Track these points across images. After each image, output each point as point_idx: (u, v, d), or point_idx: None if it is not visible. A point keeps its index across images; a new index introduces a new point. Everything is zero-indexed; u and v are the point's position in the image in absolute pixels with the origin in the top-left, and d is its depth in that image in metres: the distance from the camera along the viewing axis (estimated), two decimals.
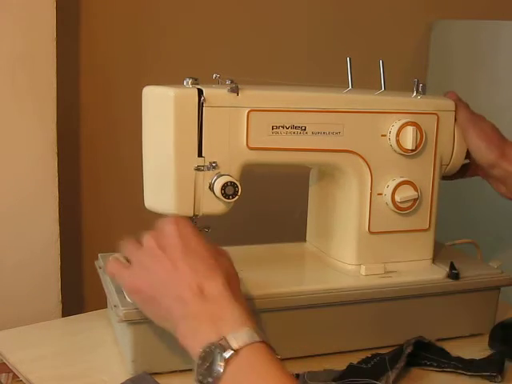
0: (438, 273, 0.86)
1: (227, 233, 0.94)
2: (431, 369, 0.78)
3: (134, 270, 0.68)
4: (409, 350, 0.77)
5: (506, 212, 1.19)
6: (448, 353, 0.80)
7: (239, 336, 0.57)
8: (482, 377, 0.77)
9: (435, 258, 0.89)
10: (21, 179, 0.94)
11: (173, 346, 0.72)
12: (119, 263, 0.70)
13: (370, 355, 0.79)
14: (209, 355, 0.56)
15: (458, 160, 0.88)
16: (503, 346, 0.81)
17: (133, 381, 0.72)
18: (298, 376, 0.75)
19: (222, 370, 0.55)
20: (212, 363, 0.55)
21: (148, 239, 0.68)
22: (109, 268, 0.71)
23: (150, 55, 1.10)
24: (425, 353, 0.78)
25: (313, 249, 0.94)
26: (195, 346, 0.58)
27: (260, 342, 0.57)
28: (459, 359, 0.79)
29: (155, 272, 0.65)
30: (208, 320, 0.59)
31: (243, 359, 0.56)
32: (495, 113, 1.21)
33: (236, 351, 0.55)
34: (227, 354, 0.55)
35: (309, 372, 0.76)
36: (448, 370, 0.78)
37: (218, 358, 0.55)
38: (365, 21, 1.27)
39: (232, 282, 0.65)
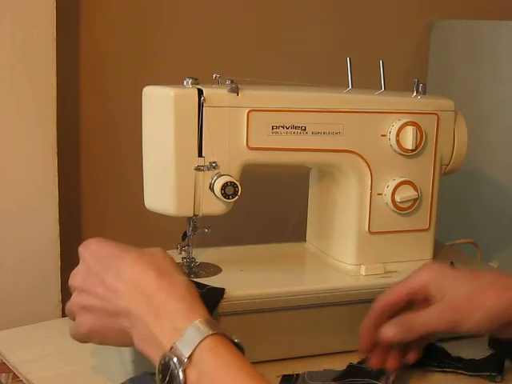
0: None
1: (227, 233, 0.94)
2: (431, 369, 0.78)
3: (76, 319, 0.64)
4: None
5: (505, 212, 1.19)
6: (448, 353, 0.80)
7: (187, 338, 0.53)
8: (482, 377, 0.77)
9: (435, 258, 0.89)
10: (21, 179, 0.94)
11: None
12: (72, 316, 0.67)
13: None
14: (166, 368, 0.54)
15: (458, 160, 0.88)
16: (503, 346, 0.81)
17: (133, 381, 0.72)
18: (297, 376, 0.75)
19: (182, 382, 0.53)
20: (171, 376, 0.53)
21: (73, 278, 0.65)
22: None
23: (150, 55, 1.10)
24: (425, 353, 0.78)
25: (313, 249, 0.94)
26: (153, 356, 0.56)
27: (211, 335, 0.53)
28: (459, 359, 0.79)
29: (92, 307, 0.62)
30: (154, 325, 0.56)
31: (200, 363, 0.53)
32: (495, 113, 1.21)
33: (190, 357, 0.53)
34: (182, 365, 0.53)
35: (309, 372, 0.76)
36: (448, 370, 0.78)
37: (175, 369, 0.53)
38: (365, 21, 1.26)
39: (162, 263, 0.61)
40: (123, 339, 0.60)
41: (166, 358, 0.54)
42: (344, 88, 0.87)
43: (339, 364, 0.78)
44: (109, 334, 0.62)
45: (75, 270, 0.65)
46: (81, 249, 0.66)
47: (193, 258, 0.83)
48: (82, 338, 0.65)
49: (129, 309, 0.58)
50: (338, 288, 0.81)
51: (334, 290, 0.80)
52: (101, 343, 0.65)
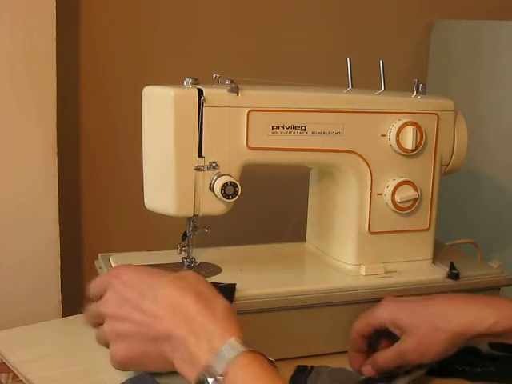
0: (438, 273, 0.86)
1: (227, 233, 0.94)
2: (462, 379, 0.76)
3: (112, 347, 0.64)
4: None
5: (505, 212, 1.19)
6: (480, 352, 0.78)
7: (221, 355, 0.54)
8: None
9: (435, 258, 0.89)
10: (21, 179, 0.94)
11: None
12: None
13: None
14: None
15: (458, 160, 0.88)
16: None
17: (133, 381, 0.72)
18: (312, 368, 0.75)
19: None
20: None
21: (103, 306, 0.64)
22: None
23: (150, 55, 1.10)
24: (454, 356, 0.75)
25: (313, 249, 0.94)
26: (192, 377, 0.56)
27: (244, 352, 0.55)
28: (492, 358, 0.77)
29: (129, 333, 0.62)
30: (194, 346, 0.57)
31: (234, 380, 0.54)
32: (495, 113, 1.21)
33: (224, 374, 0.54)
34: (217, 382, 0.54)
35: (331, 369, 0.75)
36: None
37: None
38: (365, 21, 1.26)
39: (200, 286, 0.61)
40: (162, 364, 0.61)
41: (201, 377, 0.54)
42: (344, 88, 0.87)
43: (339, 364, 0.78)
44: (147, 359, 0.62)
45: (105, 298, 0.64)
46: (110, 278, 0.65)
47: (193, 258, 0.84)
48: (118, 365, 0.65)
49: (171, 333, 0.58)
50: (337, 288, 0.81)
51: (334, 290, 0.80)
52: (139, 369, 0.65)
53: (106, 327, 0.64)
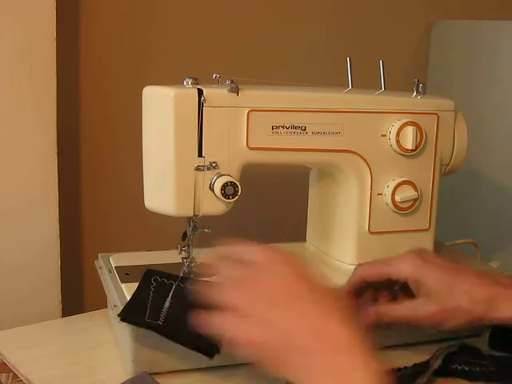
0: None
1: (227, 233, 0.94)
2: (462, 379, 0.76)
3: (251, 324, 0.58)
4: (436, 365, 0.75)
5: (505, 212, 1.19)
6: (480, 352, 0.78)
7: None
8: None
9: None
10: (21, 179, 0.94)
11: (173, 346, 0.72)
12: (229, 317, 0.59)
13: (396, 368, 0.76)
14: None
15: (458, 160, 0.88)
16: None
17: (133, 381, 0.72)
18: None
19: None
20: None
21: (259, 280, 0.61)
22: (217, 322, 0.60)
23: (150, 55, 1.10)
24: (454, 356, 0.77)
25: (313, 249, 0.94)
26: None
27: None
28: (492, 358, 0.77)
29: (279, 323, 0.57)
30: (338, 375, 0.54)
31: None
32: (495, 112, 1.21)
33: None
34: None
35: None
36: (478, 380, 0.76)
37: None
38: (365, 21, 1.26)
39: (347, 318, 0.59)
40: (279, 369, 0.57)
41: None
42: (344, 88, 0.87)
43: None
44: (269, 355, 0.58)
45: (263, 265, 0.61)
46: (282, 257, 0.62)
47: (193, 258, 0.83)
48: (246, 341, 0.59)
49: (311, 350, 0.55)
50: (337, 288, 0.80)
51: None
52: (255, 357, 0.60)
53: (253, 301, 0.59)
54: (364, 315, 0.74)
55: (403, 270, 0.73)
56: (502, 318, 0.71)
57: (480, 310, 0.70)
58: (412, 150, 0.83)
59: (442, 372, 0.75)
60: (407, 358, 0.78)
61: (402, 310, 0.73)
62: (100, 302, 0.89)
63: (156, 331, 0.71)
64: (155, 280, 0.76)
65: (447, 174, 0.90)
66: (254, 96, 0.78)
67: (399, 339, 0.84)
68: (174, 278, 0.76)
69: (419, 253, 0.75)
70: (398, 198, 0.83)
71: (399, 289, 0.76)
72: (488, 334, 0.84)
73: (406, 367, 0.76)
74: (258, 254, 0.63)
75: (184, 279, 0.76)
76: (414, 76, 0.92)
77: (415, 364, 0.76)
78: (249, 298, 0.59)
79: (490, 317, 0.71)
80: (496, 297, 0.71)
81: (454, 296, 0.71)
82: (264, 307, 0.58)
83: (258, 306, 0.59)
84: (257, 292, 0.60)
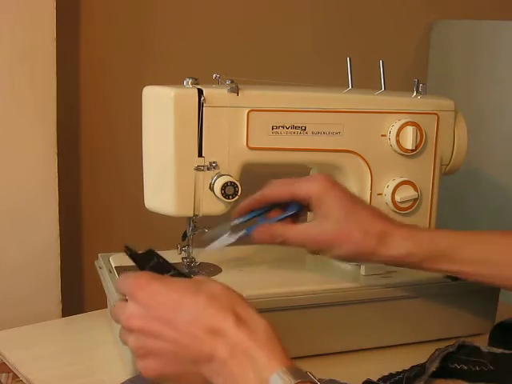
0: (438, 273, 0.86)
1: None
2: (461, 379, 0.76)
3: (143, 363, 0.60)
4: (433, 367, 0.74)
5: (505, 212, 1.19)
6: (479, 350, 0.78)
7: None
8: None
9: None
10: (21, 179, 0.94)
11: None
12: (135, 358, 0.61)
13: (394, 372, 0.76)
14: None
15: (458, 160, 0.88)
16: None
17: (133, 381, 0.72)
18: None
19: None
20: None
21: (128, 320, 0.60)
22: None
23: (150, 55, 1.10)
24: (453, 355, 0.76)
25: None
26: None
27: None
28: (491, 357, 0.77)
29: (162, 352, 0.58)
30: (239, 374, 0.54)
31: None
32: (495, 112, 1.22)
33: None
34: None
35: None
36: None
37: None
38: (365, 21, 1.26)
39: (238, 307, 0.58)
40: (199, 382, 0.58)
41: None
42: (344, 88, 0.87)
43: (339, 364, 0.78)
44: (184, 378, 0.59)
45: (128, 310, 0.60)
46: (132, 288, 0.61)
47: (193, 257, 0.83)
48: (151, 379, 0.61)
49: (213, 356, 0.55)
50: (337, 288, 0.81)
51: (334, 290, 0.80)
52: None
53: (133, 342, 0.60)
54: (257, 232, 0.74)
55: (310, 188, 0.73)
56: (390, 255, 0.72)
57: (371, 243, 0.71)
58: (412, 150, 0.83)
59: (441, 373, 0.75)
60: (407, 358, 0.78)
61: (294, 230, 0.74)
62: (100, 301, 0.89)
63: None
64: (157, 258, 0.74)
65: (447, 174, 0.90)
66: (254, 96, 0.78)
67: (399, 339, 0.84)
68: (173, 267, 0.76)
69: (327, 176, 0.75)
70: (398, 198, 0.83)
71: (296, 210, 0.76)
72: (488, 334, 0.85)
73: (404, 370, 0.76)
74: (126, 289, 0.62)
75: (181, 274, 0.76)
76: (413, 76, 0.92)
77: (412, 366, 0.76)
78: (131, 339, 0.60)
79: (380, 252, 0.71)
80: (388, 233, 0.72)
81: (348, 224, 0.72)
82: (143, 343, 0.59)
83: (138, 344, 0.59)
84: (144, 328, 0.59)
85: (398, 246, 0.71)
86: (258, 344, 0.55)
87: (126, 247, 0.67)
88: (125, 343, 0.62)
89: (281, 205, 0.77)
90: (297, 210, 0.76)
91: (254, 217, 0.77)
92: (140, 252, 0.67)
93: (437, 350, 0.77)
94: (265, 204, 0.77)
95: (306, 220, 0.76)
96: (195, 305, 0.58)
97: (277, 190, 0.76)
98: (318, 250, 0.74)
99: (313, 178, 0.75)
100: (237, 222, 0.77)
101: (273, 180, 0.77)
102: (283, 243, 0.74)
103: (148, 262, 0.67)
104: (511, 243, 0.73)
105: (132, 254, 0.67)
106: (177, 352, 0.57)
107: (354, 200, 0.74)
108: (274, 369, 0.53)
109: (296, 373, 0.53)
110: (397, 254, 0.72)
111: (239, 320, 0.57)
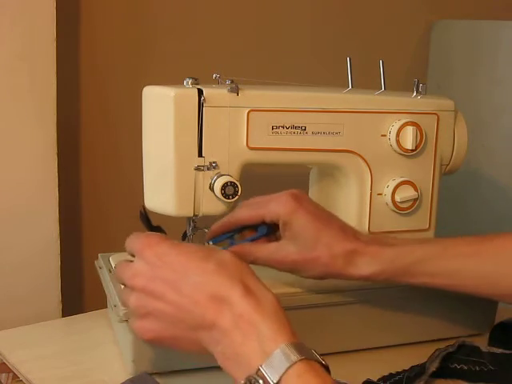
0: None
1: None
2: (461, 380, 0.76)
3: (141, 323, 0.59)
4: (433, 367, 0.74)
5: (505, 212, 1.19)
6: (479, 350, 0.77)
7: (274, 363, 0.51)
8: None
9: None
10: (21, 179, 0.94)
11: None
12: (132, 319, 0.61)
13: (394, 372, 0.76)
14: None
15: (458, 160, 0.88)
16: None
17: (133, 381, 0.72)
18: None
19: None
20: None
21: (132, 277, 0.60)
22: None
23: (150, 55, 1.10)
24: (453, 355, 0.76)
25: None
26: (237, 376, 0.53)
27: (299, 360, 0.51)
28: (491, 356, 0.76)
29: (162, 314, 0.58)
30: (240, 345, 0.54)
31: None
32: (495, 112, 1.22)
33: (277, 383, 0.51)
34: None
35: None
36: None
37: None
38: (365, 21, 1.27)
39: (247, 278, 0.57)
40: (196, 349, 0.57)
41: (252, 381, 0.51)
42: (344, 88, 0.87)
43: (339, 365, 0.77)
44: (180, 342, 0.58)
45: (133, 268, 0.60)
46: (141, 246, 0.60)
47: None
48: (145, 341, 0.61)
49: (214, 323, 0.55)
50: (338, 288, 0.81)
51: (334, 290, 0.80)
52: (166, 347, 0.61)
53: (134, 300, 0.59)
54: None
55: (276, 210, 0.72)
56: (359, 274, 0.71)
57: (338, 265, 0.71)
58: (412, 150, 0.83)
59: (441, 373, 0.75)
60: (407, 358, 0.78)
61: (263, 251, 0.73)
62: (100, 301, 0.89)
63: None
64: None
65: (447, 174, 0.90)
66: (254, 96, 0.78)
67: (399, 339, 0.84)
68: None
69: (295, 195, 0.74)
70: (398, 198, 0.83)
71: (266, 231, 0.76)
72: (488, 334, 0.85)
73: (404, 370, 0.76)
74: (135, 247, 0.62)
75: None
76: (413, 76, 0.92)
77: (412, 366, 0.76)
78: (132, 298, 0.59)
79: (347, 272, 0.71)
80: (355, 253, 0.71)
81: (316, 246, 0.71)
82: (145, 303, 0.58)
83: (139, 303, 0.59)
84: (147, 287, 0.59)
85: (365, 266, 0.71)
86: (263, 317, 0.54)
87: (144, 207, 0.68)
88: (125, 303, 0.61)
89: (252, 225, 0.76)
90: (266, 232, 0.75)
91: (226, 238, 0.77)
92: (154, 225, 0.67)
93: (437, 349, 0.77)
94: (235, 227, 0.76)
95: (279, 238, 0.75)
96: (203, 270, 0.57)
97: (246, 213, 0.75)
98: (286, 270, 0.74)
99: (279, 199, 0.73)
100: (210, 243, 0.77)
101: (243, 202, 0.76)
102: (253, 263, 0.72)
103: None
104: (475, 252, 0.73)
105: (145, 217, 0.68)
106: (177, 316, 0.57)
107: (322, 219, 0.73)
108: (278, 343, 0.52)
109: (301, 349, 0.53)
110: (365, 274, 0.71)
111: (247, 290, 0.56)
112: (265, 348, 0.53)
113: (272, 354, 0.52)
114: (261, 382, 0.51)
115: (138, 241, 0.62)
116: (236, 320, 0.54)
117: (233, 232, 0.77)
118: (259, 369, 0.52)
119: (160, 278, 0.58)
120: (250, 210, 0.75)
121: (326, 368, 0.54)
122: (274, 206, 0.73)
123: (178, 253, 0.59)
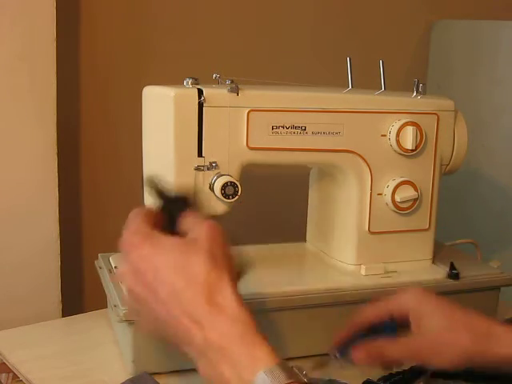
0: (438, 273, 0.86)
1: (227, 233, 0.94)
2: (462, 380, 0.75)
3: (138, 318, 0.61)
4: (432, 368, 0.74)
5: (505, 212, 1.19)
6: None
7: None
8: None
9: (435, 258, 0.89)
10: (21, 179, 0.94)
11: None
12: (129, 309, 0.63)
13: (394, 372, 0.76)
14: None
15: (457, 160, 0.88)
16: None
17: (133, 381, 0.72)
18: None
19: None
20: None
21: (122, 279, 0.61)
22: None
23: (150, 55, 1.10)
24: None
25: (313, 249, 0.94)
26: None
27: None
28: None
29: (150, 316, 0.58)
30: (215, 367, 0.54)
31: None
32: (495, 112, 1.22)
33: None
34: None
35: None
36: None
37: None
38: (365, 21, 1.27)
39: (216, 291, 0.57)
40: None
41: None
42: (344, 88, 0.87)
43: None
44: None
45: (121, 270, 0.61)
46: (126, 246, 0.61)
47: None
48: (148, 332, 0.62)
49: (189, 342, 0.55)
50: (338, 288, 0.81)
51: (335, 290, 0.80)
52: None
53: (127, 298, 0.61)
54: (356, 354, 0.71)
55: (406, 301, 0.71)
56: (503, 355, 0.67)
57: (481, 344, 0.68)
58: (412, 150, 0.83)
59: (441, 373, 0.75)
60: None
61: (396, 345, 0.70)
62: (100, 301, 0.89)
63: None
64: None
65: (447, 174, 0.90)
66: (254, 96, 0.78)
67: None
68: None
69: (420, 288, 0.73)
70: (398, 198, 0.83)
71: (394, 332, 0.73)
72: None
73: (404, 370, 0.75)
74: (121, 247, 0.62)
75: None
76: (413, 76, 0.92)
77: (412, 366, 0.76)
78: (129, 295, 0.60)
79: (491, 351, 0.68)
80: (494, 331, 0.68)
81: (454, 328, 0.69)
82: (141, 302, 0.58)
83: (137, 303, 0.59)
84: (133, 290, 0.59)
85: (510, 342, 0.68)
86: (235, 340, 0.54)
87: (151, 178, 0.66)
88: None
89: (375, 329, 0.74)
90: (394, 331, 0.72)
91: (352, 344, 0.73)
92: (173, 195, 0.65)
93: None
94: (362, 326, 0.73)
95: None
96: (174, 285, 0.57)
97: (370, 312, 0.73)
98: (419, 361, 0.70)
99: (406, 291, 0.72)
100: (337, 355, 0.73)
101: (363, 307, 0.74)
102: (383, 358, 0.70)
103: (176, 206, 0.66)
104: None
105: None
106: (161, 320, 0.57)
107: (451, 305, 0.71)
108: (256, 368, 0.52)
109: (280, 375, 0.51)
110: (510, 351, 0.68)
111: (217, 309, 0.55)
112: (243, 376, 0.52)
113: (253, 382, 0.51)
114: None
115: (125, 239, 0.62)
116: (206, 344, 0.54)
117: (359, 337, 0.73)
118: None
119: (142, 284, 0.58)
120: (375, 308, 0.73)
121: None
122: (405, 296, 0.72)
123: (156, 258, 0.58)
